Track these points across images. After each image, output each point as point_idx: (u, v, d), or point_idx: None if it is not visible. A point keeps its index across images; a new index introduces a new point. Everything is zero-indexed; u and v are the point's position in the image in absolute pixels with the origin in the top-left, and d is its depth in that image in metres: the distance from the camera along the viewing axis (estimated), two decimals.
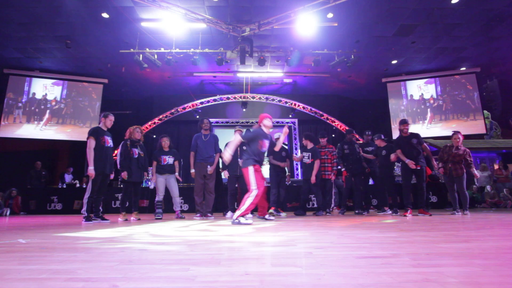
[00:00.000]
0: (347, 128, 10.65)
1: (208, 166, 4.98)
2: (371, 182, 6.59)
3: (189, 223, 3.84)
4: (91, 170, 4.22)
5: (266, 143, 3.85)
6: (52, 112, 10.11)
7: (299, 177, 10.75)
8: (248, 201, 3.53)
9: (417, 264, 1.22)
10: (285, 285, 0.95)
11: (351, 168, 5.82)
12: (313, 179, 5.29)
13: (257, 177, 3.64)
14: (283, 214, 5.55)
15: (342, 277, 1.03)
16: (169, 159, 5.20)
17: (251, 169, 3.63)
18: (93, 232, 2.82)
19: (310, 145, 5.53)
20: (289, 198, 7.59)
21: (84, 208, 4.30)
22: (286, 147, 6.24)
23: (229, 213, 5.21)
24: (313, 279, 1.01)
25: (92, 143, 4.29)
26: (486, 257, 1.34)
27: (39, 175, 8.85)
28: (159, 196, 5.12)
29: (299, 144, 12.04)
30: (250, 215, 5.21)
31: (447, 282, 0.95)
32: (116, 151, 4.65)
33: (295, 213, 5.66)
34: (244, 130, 5.56)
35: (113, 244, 1.91)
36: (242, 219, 3.44)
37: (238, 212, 3.50)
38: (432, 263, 1.24)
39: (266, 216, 4.21)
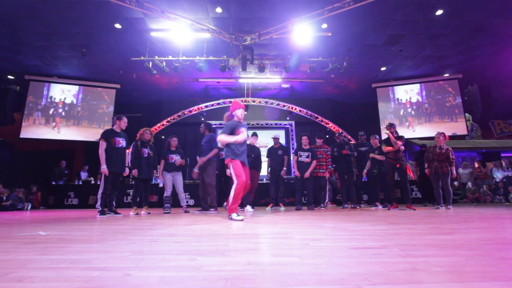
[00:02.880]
0: (340, 130, 10.67)
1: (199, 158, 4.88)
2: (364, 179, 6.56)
3: (195, 217, 3.83)
4: (104, 168, 4.24)
5: (243, 130, 3.44)
6: (68, 114, 10.11)
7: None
8: (231, 194, 3.22)
9: (406, 254, 1.22)
10: (285, 273, 0.95)
11: (340, 168, 5.81)
12: (307, 174, 5.33)
13: (238, 169, 3.29)
14: (282, 208, 5.54)
15: (337, 266, 1.02)
16: (176, 158, 5.21)
17: (230, 164, 3.32)
18: (107, 225, 2.82)
19: (308, 146, 5.53)
20: (287, 194, 7.59)
21: (99, 203, 4.31)
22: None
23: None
24: (311, 268, 1.01)
25: (103, 145, 4.31)
26: (469, 248, 1.34)
27: (62, 173, 8.91)
28: (167, 192, 5.12)
29: (296, 144, 12.03)
30: (251, 210, 5.23)
31: (434, 271, 0.95)
32: (128, 151, 4.66)
33: (296, 208, 5.60)
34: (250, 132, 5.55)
35: (126, 236, 1.91)
36: (233, 215, 3.13)
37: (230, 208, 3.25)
38: (419, 253, 1.24)
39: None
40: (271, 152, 5.82)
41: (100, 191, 4.35)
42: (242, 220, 3.05)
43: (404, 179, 5.10)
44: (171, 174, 5.17)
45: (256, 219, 3.29)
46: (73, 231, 2.28)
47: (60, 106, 10.04)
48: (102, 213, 4.23)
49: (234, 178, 3.31)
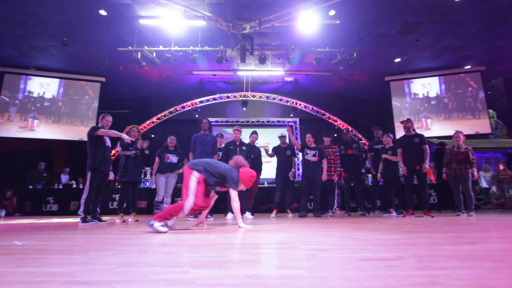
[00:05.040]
0: (349, 127, 10.67)
1: None
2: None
3: (188, 225, 3.83)
4: (127, 137, 4.41)
5: None
6: (48, 111, 10.11)
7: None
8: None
9: (423, 266, 1.21)
10: None
11: (347, 170, 5.82)
12: (324, 176, 5.31)
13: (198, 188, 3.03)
14: (289, 215, 5.53)
15: (347, 280, 1.02)
16: (173, 158, 5.20)
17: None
18: (90, 234, 2.81)
19: (313, 144, 5.52)
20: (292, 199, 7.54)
21: (81, 209, 4.30)
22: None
23: (229, 215, 5.21)
24: (317, 282, 1.01)
25: (102, 131, 4.36)
26: (493, 260, 1.33)
27: (40, 176, 8.87)
28: (159, 197, 5.10)
29: (300, 143, 12.03)
30: (250, 217, 5.22)
31: (454, 285, 0.94)
32: (114, 151, 4.66)
33: (299, 215, 5.55)
34: (242, 129, 5.59)
35: (111, 246, 1.91)
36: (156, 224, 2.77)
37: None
38: (438, 265, 1.23)
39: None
40: (277, 151, 5.81)
41: (84, 195, 4.34)
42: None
43: (423, 182, 5.07)
44: (165, 176, 5.15)
45: (256, 227, 3.28)
46: (53, 240, 2.28)
47: (39, 101, 10.02)
48: (84, 220, 4.23)
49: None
